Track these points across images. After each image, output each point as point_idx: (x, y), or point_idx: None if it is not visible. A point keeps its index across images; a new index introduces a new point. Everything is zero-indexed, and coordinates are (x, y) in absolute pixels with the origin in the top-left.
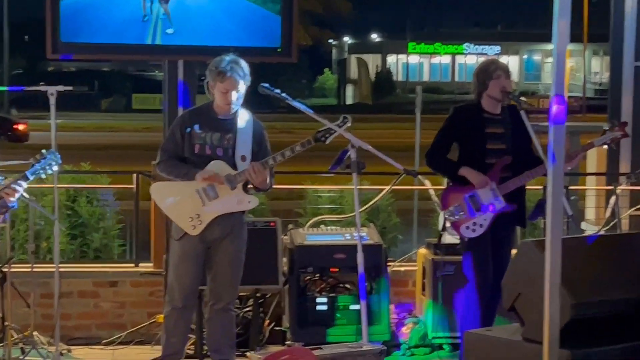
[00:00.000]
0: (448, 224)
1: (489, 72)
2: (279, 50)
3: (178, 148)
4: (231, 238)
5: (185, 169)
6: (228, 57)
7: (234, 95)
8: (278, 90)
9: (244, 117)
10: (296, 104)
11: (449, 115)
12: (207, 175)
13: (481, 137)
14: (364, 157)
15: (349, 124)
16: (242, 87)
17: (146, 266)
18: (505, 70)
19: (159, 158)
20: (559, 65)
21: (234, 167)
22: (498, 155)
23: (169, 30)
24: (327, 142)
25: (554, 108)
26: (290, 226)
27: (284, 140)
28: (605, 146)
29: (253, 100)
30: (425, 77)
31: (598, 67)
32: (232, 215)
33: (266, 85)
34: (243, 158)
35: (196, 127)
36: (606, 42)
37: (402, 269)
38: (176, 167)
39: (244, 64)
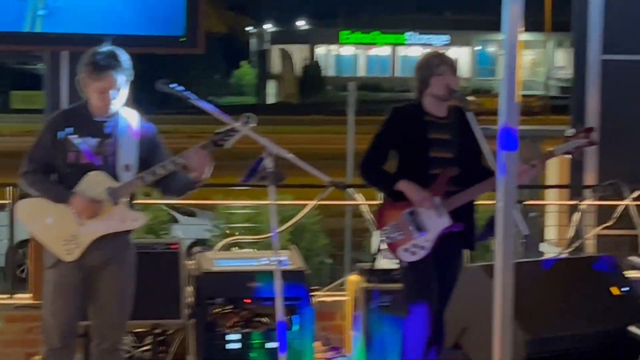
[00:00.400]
0: (384, 246)
1: (431, 66)
2: (182, 39)
3: (49, 156)
4: (115, 264)
5: (55, 189)
6: (103, 49)
7: (113, 94)
8: (179, 88)
9: (128, 119)
10: (200, 103)
11: (386, 117)
12: (82, 206)
13: (423, 143)
14: (285, 167)
15: (253, 124)
16: (123, 83)
17: (23, 297)
18: (451, 65)
19: (25, 168)
20: (510, 60)
21: (116, 178)
22: (443, 165)
23: (41, 12)
24: (228, 145)
25: (504, 107)
26: (196, 249)
27: (192, 145)
28: (568, 155)
29: (155, 99)
30: (361, 72)
31: (564, 61)
32: (116, 236)
33: (165, 81)
34: (127, 167)
35: (70, 130)
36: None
37: (329, 299)
38: (44, 183)
39: (123, 55)
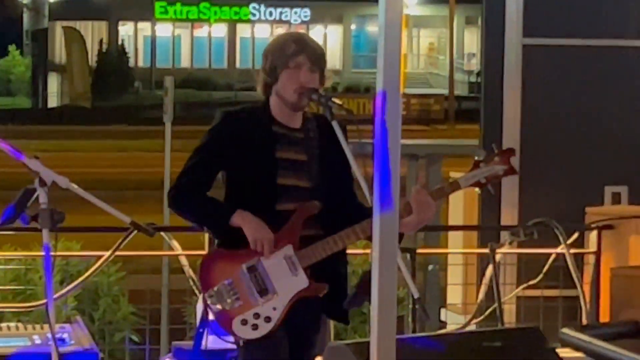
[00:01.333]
0: (211, 316)
1: (283, 55)
2: None
3: None
4: None
5: None
6: None
7: None
8: None
9: None
10: None
11: (212, 124)
12: None
13: (268, 165)
14: (67, 201)
15: None
16: None
17: None
18: (313, 54)
19: None
20: (390, 44)
21: None
22: (297, 198)
23: None
24: None
25: (380, 115)
26: None
27: None
28: (477, 189)
29: None
30: (185, 62)
31: (475, 46)
32: None
33: None
34: None
35: None
36: None
37: None
38: None
39: None
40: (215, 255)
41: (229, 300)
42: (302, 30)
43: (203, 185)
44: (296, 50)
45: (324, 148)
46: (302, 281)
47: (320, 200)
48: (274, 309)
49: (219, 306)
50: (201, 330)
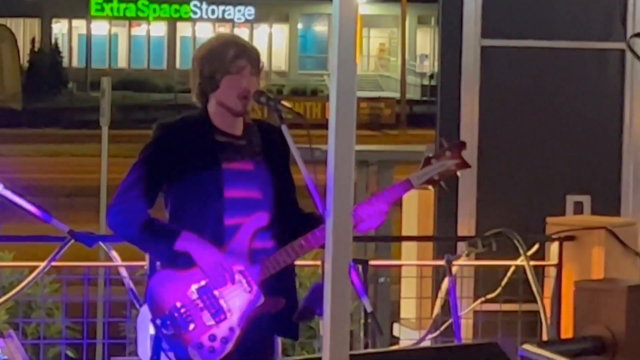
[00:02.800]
0: (166, 345)
1: (223, 60)
2: None
3: None
4: None
5: None
6: None
7: None
8: None
9: None
10: None
11: (151, 138)
12: None
13: (215, 177)
14: None
15: None
16: None
17: None
18: (252, 56)
19: None
20: (344, 45)
21: None
22: (245, 209)
23: None
24: None
25: (334, 120)
26: None
27: None
28: (430, 187)
29: None
30: (122, 62)
31: (428, 47)
32: None
33: None
34: None
35: None
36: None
37: None
38: None
39: None
40: (163, 278)
41: (181, 325)
42: (245, 30)
43: (144, 202)
44: (236, 55)
45: (267, 155)
46: (256, 297)
47: (268, 210)
48: (231, 329)
49: (172, 332)
50: (156, 352)
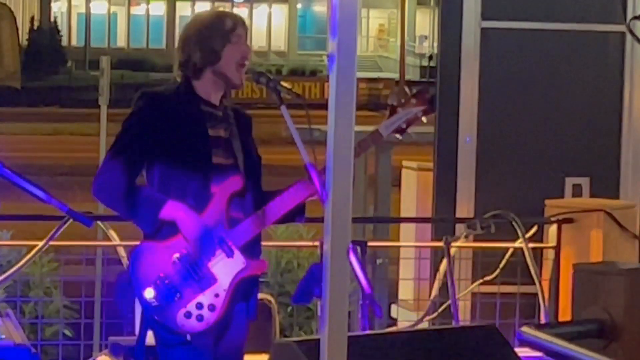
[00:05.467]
0: (155, 317)
1: (223, 31)
2: None
3: None
4: None
5: None
6: None
7: None
8: None
9: None
10: None
11: (133, 107)
12: None
13: (203, 145)
14: None
15: None
16: None
17: None
18: (245, 26)
19: None
20: (345, 26)
21: None
22: (225, 175)
23: None
24: None
25: (334, 100)
26: None
27: None
28: (398, 135)
29: None
30: (121, 41)
31: (427, 28)
32: None
33: None
34: None
35: None
36: None
37: None
38: None
39: None
40: (144, 250)
41: (167, 295)
42: (245, 10)
43: (130, 172)
44: (234, 24)
45: (238, 126)
46: (239, 262)
47: (241, 176)
48: (216, 295)
49: (157, 303)
50: (144, 326)
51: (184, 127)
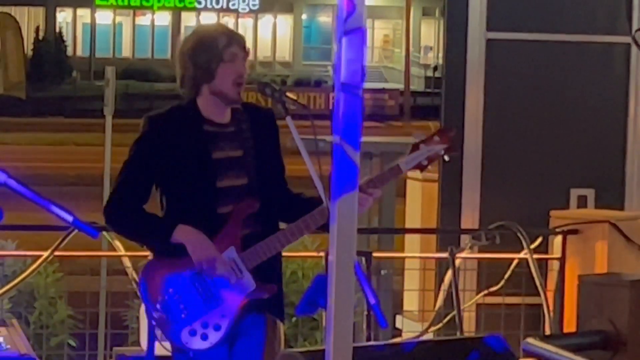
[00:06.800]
0: (159, 332)
1: (216, 49)
2: None
3: None
4: None
5: None
6: None
7: None
8: None
9: None
10: None
11: (140, 132)
12: None
13: (206, 168)
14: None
15: None
16: None
17: None
18: (242, 42)
19: None
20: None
21: None
22: (236, 197)
23: None
24: None
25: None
26: None
27: None
28: (418, 171)
29: None
30: (127, 52)
31: (432, 39)
32: None
33: None
34: None
35: None
36: None
37: None
38: None
39: None
40: (155, 266)
41: (174, 311)
42: (250, 20)
43: (139, 199)
44: (228, 42)
45: (256, 139)
46: (248, 284)
47: (257, 196)
48: (222, 316)
49: (165, 318)
50: (153, 336)
51: (186, 151)
